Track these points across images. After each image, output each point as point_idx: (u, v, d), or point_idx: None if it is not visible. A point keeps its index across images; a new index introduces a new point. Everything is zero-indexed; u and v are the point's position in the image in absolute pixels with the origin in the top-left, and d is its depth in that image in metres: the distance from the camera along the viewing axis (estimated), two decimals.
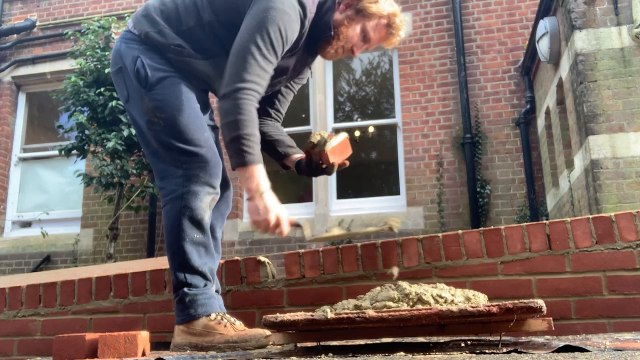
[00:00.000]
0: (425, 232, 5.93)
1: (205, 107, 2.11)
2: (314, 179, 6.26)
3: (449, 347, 1.55)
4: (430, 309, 1.46)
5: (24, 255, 6.96)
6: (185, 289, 1.87)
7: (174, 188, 1.89)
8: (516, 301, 1.41)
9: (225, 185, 2.07)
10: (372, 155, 7.52)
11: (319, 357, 1.42)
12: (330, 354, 1.47)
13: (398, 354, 1.40)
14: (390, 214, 6.27)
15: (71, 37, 6.63)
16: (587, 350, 1.30)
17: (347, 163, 2.07)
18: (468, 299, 1.60)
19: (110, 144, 5.56)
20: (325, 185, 6.50)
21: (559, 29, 4.89)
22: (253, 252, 6.26)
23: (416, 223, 6.11)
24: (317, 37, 1.99)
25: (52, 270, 5.75)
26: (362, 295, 1.72)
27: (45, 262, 6.85)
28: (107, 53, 5.93)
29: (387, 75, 7.15)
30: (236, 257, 2.42)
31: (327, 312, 1.49)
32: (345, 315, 1.48)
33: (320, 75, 6.84)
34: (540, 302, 1.39)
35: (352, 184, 7.05)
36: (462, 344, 1.58)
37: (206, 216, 1.90)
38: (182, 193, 1.87)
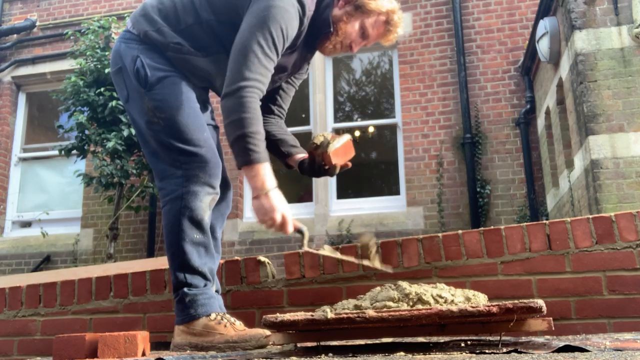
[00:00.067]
0: (425, 232, 5.93)
1: (205, 106, 2.11)
2: (314, 179, 6.25)
3: (449, 347, 1.55)
4: (430, 309, 1.46)
5: (24, 255, 6.96)
6: (185, 289, 1.87)
7: (174, 188, 1.89)
8: (516, 301, 1.41)
9: (225, 185, 2.07)
10: (372, 155, 7.51)
11: (319, 357, 1.42)
12: (330, 354, 1.47)
13: (398, 354, 1.40)
14: (390, 214, 6.27)
15: (71, 37, 6.63)
16: (587, 350, 1.30)
17: (350, 165, 2.07)
18: (468, 299, 1.60)
19: (110, 144, 5.56)
20: (325, 185, 6.50)
21: (559, 29, 4.89)
22: (253, 252, 6.26)
23: (416, 223, 6.11)
24: (317, 33, 1.99)
25: (52, 270, 5.75)
26: (362, 295, 1.72)
27: (45, 262, 6.85)
28: (107, 53, 5.93)
29: (387, 75, 7.15)
30: (236, 257, 2.42)
31: (327, 312, 1.49)
32: (345, 315, 1.48)
33: (320, 75, 6.84)
34: (540, 302, 1.39)
35: (352, 184, 7.05)
36: (462, 344, 1.58)
37: (206, 216, 1.90)
38: (182, 193, 1.87)
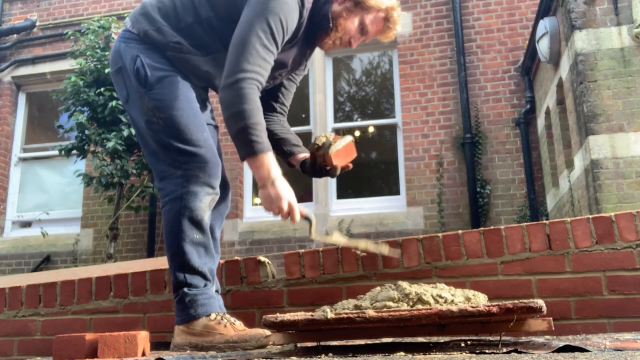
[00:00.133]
0: (425, 232, 5.93)
1: (204, 105, 2.11)
2: (314, 179, 6.25)
3: (449, 347, 1.55)
4: (430, 309, 1.46)
5: (24, 255, 6.96)
6: (185, 289, 1.87)
7: (174, 189, 1.89)
8: (516, 301, 1.41)
9: (224, 185, 2.07)
10: (372, 155, 7.51)
11: (319, 357, 1.42)
12: (330, 354, 1.47)
13: (398, 354, 1.40)
14: (390, 214, 6.27)
15: (71, 37, 6.63)
16: (587, 350, 1.30)
17: (351, 166, 2.07)
18: (468, 299, 1.60)
19: (110, 144, 5.56)
20: (325, 185, 6.50)
21: (559, 29, 4.89)
22: (253, 252, 6.26)
23: (416, 223, 6.11)
24: (316, 29, 1.99)
25: (52, 270, 5.75)
26: (362, 295, 1.72)
27: (45, 262, 6.85)
28: (107, 53, 5.93)
29: (387, 75, 7.15)
30: (236, 257, 2.42)
31: (327, 312, 1.49)
32: (345, 315, 1.48)
33: (320, 75, 6.84)
34: (540, 302, 1.39)
35: (352, 184, 7.05)
36: (462, 344, 1.58)
37: (206, 216, 1.90)
38: (182, 193, 1.87)
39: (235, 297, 2.32)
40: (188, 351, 1.82)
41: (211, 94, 2.16)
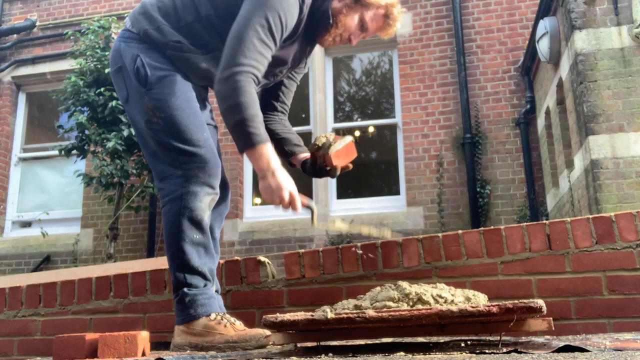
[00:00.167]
0: (425, 232, 5.93)
1: (204, 105, 2.11)
2: (314, 179, 6.25)
3: (449, 347, 1.55)
4: (430, 309, 1.46)
5: (24, 255, 6.96)
6: (185, 289, 1.87)
7: (173, 189, 1.88)
8: (516, 301, 1.41)
9: (224, 185, 2.07)
10: (372, 155, 7.51)
11: (319, 357, 1.42)
12: (330, 354, 1.47)
13: (398, 354, 1.40)
14: (390, 214, 6.27)
15: (71, 37, 6.63)
16: (587, 350, 1.30)
17: (351, 166, 2.07)
18: (468, 299, 1.60)
19: (110, 144, 5.56)
20: (325, 185, 6.50)
21: (559, 29, 4.89)
22: (253, 252, 6.26)
23: (416, 223, 6.11)
24: (316, 25, 1.99)
25: (52, 270, 5.75)
26: (362, 295, 1.72)
27: (45, 262, 6.85)
28: (107, 53, 5.93)
29: (387, 75, 7.15)
30: (236, 257, 2.42)
31: (327, 312, 1.49)
32: (345, 315, 1.48)
33: (320, 75, 6.84)
34: (540, 302, 1.39)
35: (352, 184, 7.05)
36: (462, 344, 1.58)
37: (205, 216, 1.90)
38: (182, 194, 1.87)
39: (235, 297, 2.32)
40: (188, 351, 1.82)
41: (210, 94, 2.16)
